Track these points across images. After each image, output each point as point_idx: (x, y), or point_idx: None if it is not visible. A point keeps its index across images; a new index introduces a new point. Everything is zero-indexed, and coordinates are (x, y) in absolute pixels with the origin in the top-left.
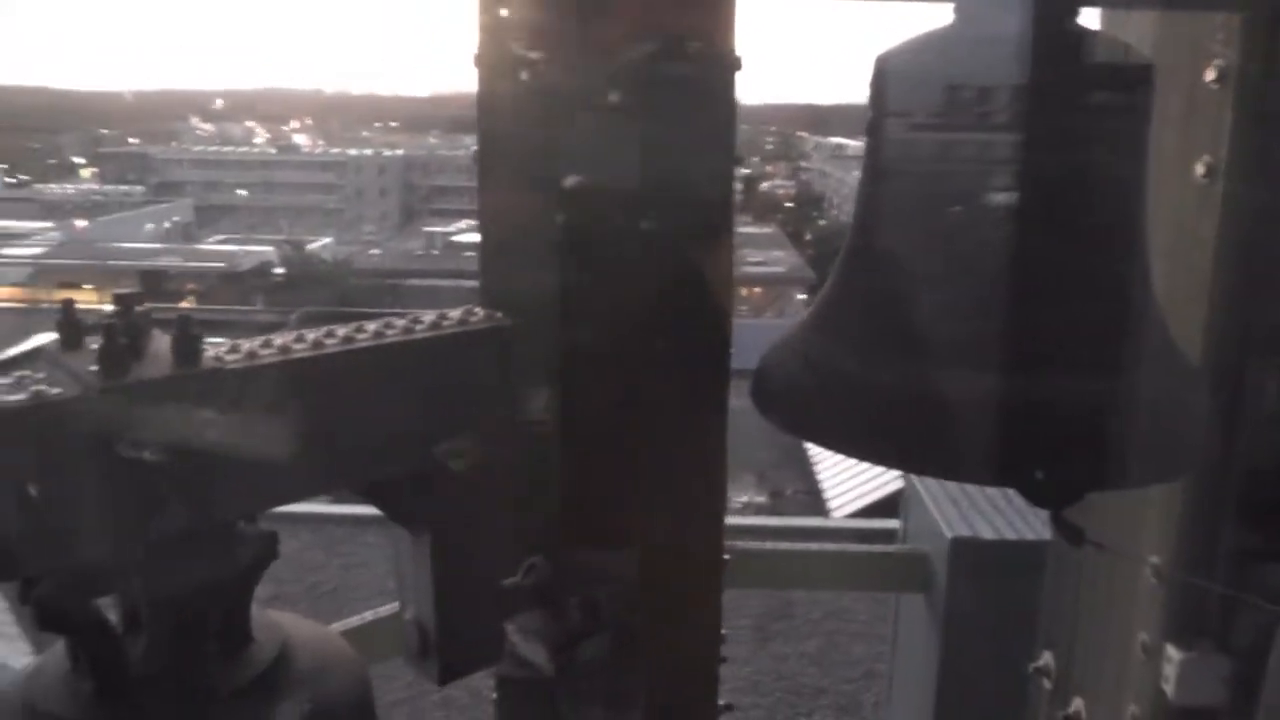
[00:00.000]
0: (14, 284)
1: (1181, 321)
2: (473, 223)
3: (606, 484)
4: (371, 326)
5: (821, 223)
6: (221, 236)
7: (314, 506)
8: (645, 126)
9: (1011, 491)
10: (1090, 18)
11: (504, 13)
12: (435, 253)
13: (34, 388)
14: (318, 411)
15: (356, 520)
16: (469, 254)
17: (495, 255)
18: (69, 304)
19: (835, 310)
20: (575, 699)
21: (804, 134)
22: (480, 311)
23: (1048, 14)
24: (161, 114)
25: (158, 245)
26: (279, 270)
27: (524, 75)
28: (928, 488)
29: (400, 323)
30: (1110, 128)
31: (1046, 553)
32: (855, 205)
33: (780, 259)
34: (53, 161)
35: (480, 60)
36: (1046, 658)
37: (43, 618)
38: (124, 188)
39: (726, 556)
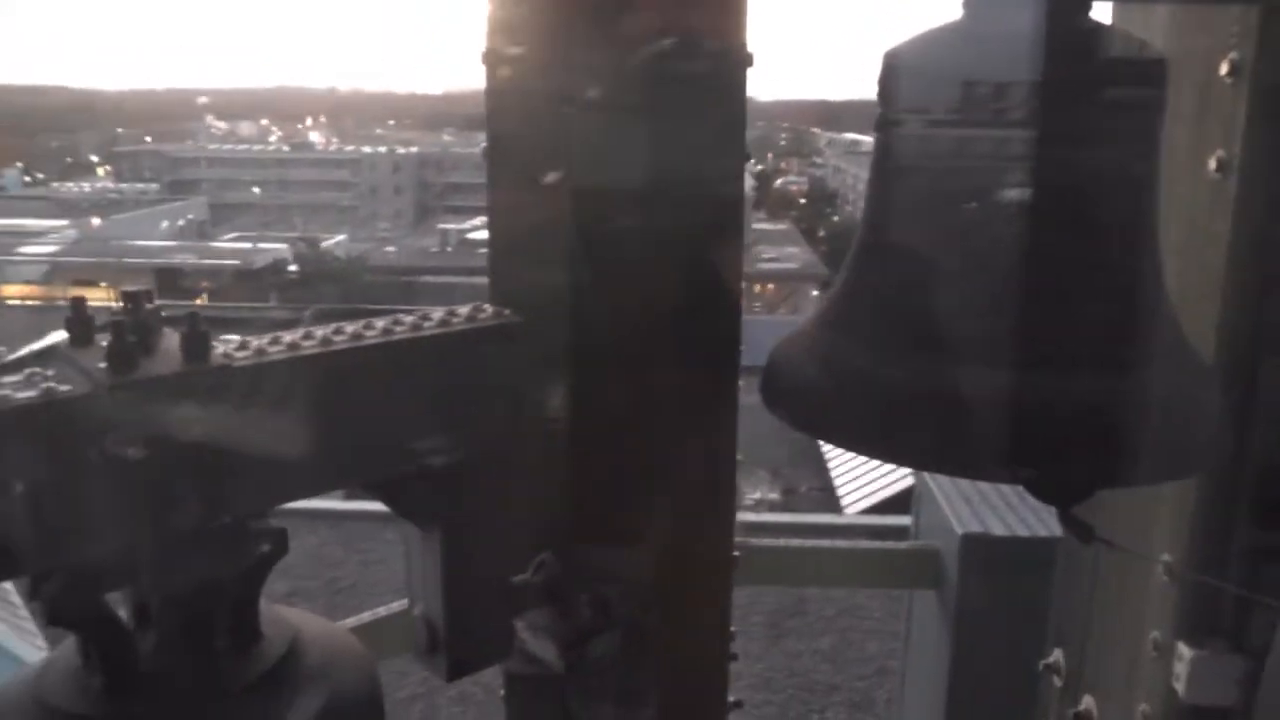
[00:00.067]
0: (30, 282)
1: (1194, 318)
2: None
3: (616, 481)
4: (380, 323)
5: (835, 219)
6: (236, 234)
7: (333, 503)
8: (656, 124)
9: (1022, 488)
10: (1103, 12)
11: (512, 11)
12: (450, 250)
13: (44, 385)
14: (326, 408)
15: (375, 516)
16: (483, 251)
17: (505, 253)
18: (79, 301)
19: (844, 306)
20: (585, 696)
21: (817, 130)
22: (489, 308)
23: (1059, 8)
24: (176, 113)
25: (173, 243)
26: (293, 268)
27: (532, 73)
28: (939, 484)
29: (409, 319)
30: (1122, 123)
31: (1057, 550)
32: (865, 202)
33: (794, 255)
34: (69, 160)
35: (488, 58)
36: (1057, 655)
37: (51, 614)
38: (139, 186)
39: (737, 554)
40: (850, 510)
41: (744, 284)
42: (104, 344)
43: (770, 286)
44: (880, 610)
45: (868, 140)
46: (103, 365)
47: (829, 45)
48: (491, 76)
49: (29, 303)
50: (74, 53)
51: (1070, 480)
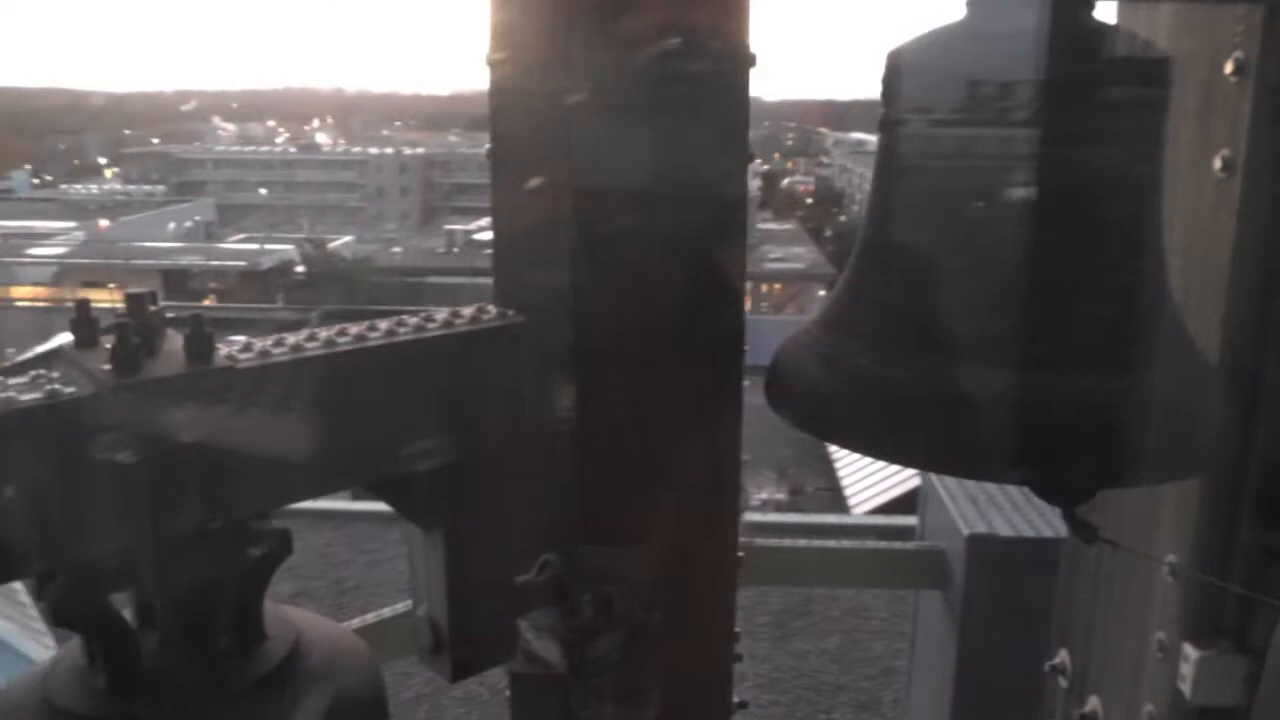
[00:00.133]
0: (38, 283)
1: (1198, 317)
2: None
3: (620, 481)
4: (384, 325)
5: (842, 219)
6: (243, 235)
7: (338, 503)
8: (659, 125)
9: (1027, 489)
10: (1106, 11)
11: (515, 12)
12: (456, 250)
13: (49, 387)
14: (330, 410)
15: (381, 517)
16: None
17: (509, 254)
18: (84, 303)
19: (848, 306)
20: (589, 696)
21: (824, 130)
22: (493, 309)
23: (1063, 8)
24: (183, 114)
25: (180, 244)
26: (300, 268)
27: (535, 75)
28: (945, 484)
29: (413, 321)
30: (1126, 123)
31: (1061, 550)
32: (868, 201)
33: (801, 255)
34: (76, 162)
35: (491, 59)
36: (1062, 656)
37: (56, 614)
38: (147, 187)
39: (742, 554)
40: (858, 510)
41: (750, 284)
42: (108, 346)
43: (777, 286)
44: (886, 610)
45: (874, 140)
46: (107, 367)
47: (835, 45)
48: (494, 78)
49: (38, 304)
50: (80, 55)
51: (1074, 481)
